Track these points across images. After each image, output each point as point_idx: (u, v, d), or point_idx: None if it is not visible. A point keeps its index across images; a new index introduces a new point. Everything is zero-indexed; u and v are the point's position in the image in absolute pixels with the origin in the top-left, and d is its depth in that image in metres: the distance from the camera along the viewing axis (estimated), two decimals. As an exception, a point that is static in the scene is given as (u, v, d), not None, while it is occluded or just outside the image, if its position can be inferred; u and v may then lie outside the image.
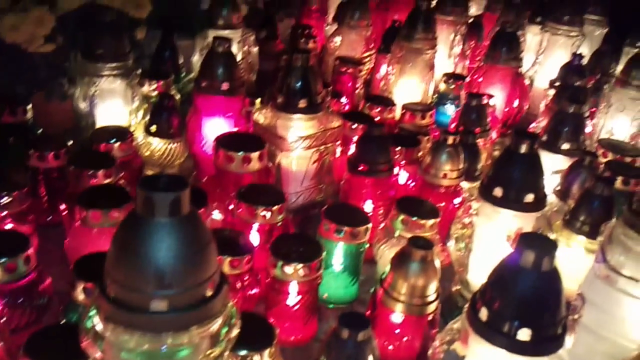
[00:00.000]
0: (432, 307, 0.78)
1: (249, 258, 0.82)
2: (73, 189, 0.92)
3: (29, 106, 1.12)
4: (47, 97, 1.20)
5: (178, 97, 1.25)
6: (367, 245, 0.95)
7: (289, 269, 0.81)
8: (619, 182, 1.01)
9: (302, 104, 1.03)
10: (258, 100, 1.23)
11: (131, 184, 0.95)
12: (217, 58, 1.10)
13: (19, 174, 0.98)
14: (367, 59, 1.58)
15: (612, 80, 1.36)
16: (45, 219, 1.03)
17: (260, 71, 1.52)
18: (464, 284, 0.94)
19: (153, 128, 1.14)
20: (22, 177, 0.98)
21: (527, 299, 0.54)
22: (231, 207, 0.92)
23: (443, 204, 1.03)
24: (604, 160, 1.13)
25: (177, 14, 1.44)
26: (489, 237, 0.87)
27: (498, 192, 0.83)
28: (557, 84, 1.44)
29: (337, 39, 1.62)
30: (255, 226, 0.90)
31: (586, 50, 1.69)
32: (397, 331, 0.79)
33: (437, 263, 0.78)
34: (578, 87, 1.30)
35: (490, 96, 1.37)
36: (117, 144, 1.04)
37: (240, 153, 0.95)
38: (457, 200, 1.06)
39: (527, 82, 1.59)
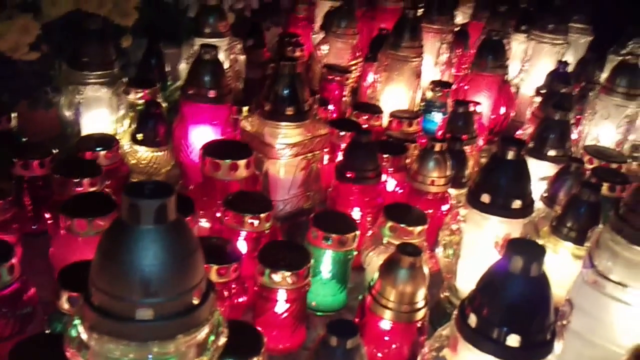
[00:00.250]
0: (420, 314, 0.78)
1: (237, 266, 0.82)
2: (58, 198, 0.91)
3: (14, 114, 1.11)
4: (32, 106, 1.19)
5: (164, 105, 1.25)
6: (355, 253, 0.95)
7: (276, 277, 0.81)
8: (605, 189, 1.01)
9: (289, 111, 1.02)
10: (245, 108, 1.22)
11: (117, 193, 0.94)
12: (204, 66, 1.10)
13: (3, 183, 0.97)
14: (354, 67, 1.58)
15: (597, 88, 1.37)
16: (30, 227, 1.02)
17: (247, 79, 1.52)
18: (452, 291, 0.94)
19: (139, 136, 1.14)
20: (7, 186, 0.96)
21: (516, 304, 0.54)
22: (218, 214, 0.92)
23: (431, 210, 1.03)
24: (590, 166, 1.14)
25: (164, 21, 1.44)
26: (477, 244, 0.87)
27: (485, 198, 0.83)
28: (543, 91, 1.45)
29: (324, 47, 1.62)
30: (243, 234, 0.90)
31: (571, 58, 1.71)
32: (386, 338, 0.78)
33: (426, 270, 0.78)
34: (564, 95, 1.31)
35: (477, 103, 1.37)
36: (103, 152, 1.03)
37: (227, 161, 0.95)
38: (444, 207, 1.06)
39: (513, 89, 1.60)
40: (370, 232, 0.98)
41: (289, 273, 0.81)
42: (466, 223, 0.88)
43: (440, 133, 1.26)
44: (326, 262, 0.92)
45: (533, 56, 1.71)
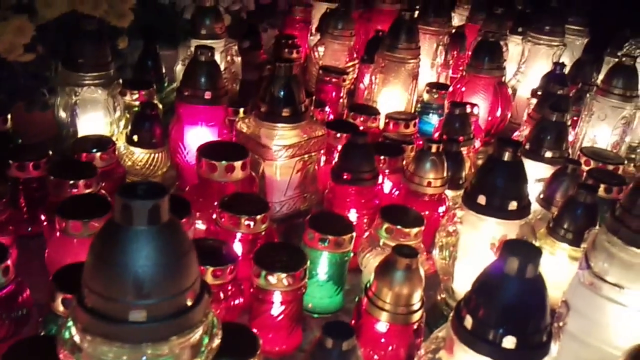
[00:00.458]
0: (417, 316, 0.78)
1: (232, 268, 0.81)
2: (53, 199, 0.91)
3: (9, 116, 1.11)
4: (27, 107, 1.18)
5: (161, 106, 1.25)
6: (352, 254, 0.94)
7: (272, 279, 0.80)
8: (601, 190, 1.01)
9: (286, 113, 1.02)
10: (241, 110, 1.22)
11: (113, 194, 0.94)
12: (200, 67, 1.10)
13: (-1, 184, 0.97)
14: (350, 69, 1.58)
15: (593, 89, 1.37)
16: (25, 229, 1.01)
17: (243, 81, 1.52)
18: (449, 293, 0.94)
19: (135, 138, 1.13)
20: (2, 187, 0.96)
21: (512, 306, 0.54)
22: (214, 216, 0.92)
23: (427, 212, 1.03)
24: (587, 168, 1.14)
25: (160, 23, 1.44)
26: (474, 245, 0.87)
27: (482, 200, 0.83)
28: (539, 92, 1.45)
29: (321, 49, 1.62)
30: (239, 235, 0.90)
31: (567, 60, 1.71)
32: (382, 340, 0.78)
33: (422, 271, 0.78)
34: (560, 96, 1.31)
35: (474, 105, 1.37)
36: (99, 153, 1.02)
37: (223, 162, 0.94)
38: (441, 209, 1.06)
39: (509, 91, 1.60)
40: (366, 234, 0.97)
41: (285, 275, 0.80)
42: (463, 225, 0.88)
43: (436, 135, 1.26)
44: (322, 263, 0.92)
45: (529, 58, 1.71)
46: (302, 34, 1.82)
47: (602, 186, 1.02)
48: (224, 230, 0.90)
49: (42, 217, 0.94)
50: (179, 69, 1.43)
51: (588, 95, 1.37)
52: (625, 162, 1.29)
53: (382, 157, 1.12)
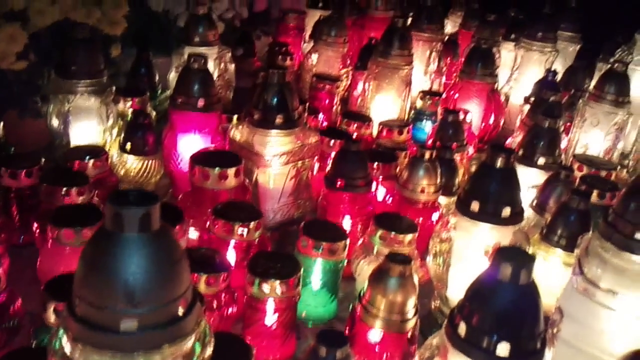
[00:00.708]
0: (411, 324, 0.78)
1: (226, 276, 0.81)
2: (46, 208, 0.91)
3: (1, 124, 1.10)
4: (20, 115, 1.18)
5: (154, 114, 1.24)
6: (346, 262, 0.94)
7: (266, 287, 0.80)
8: (594, 196, 1.01)
9: (279, 120, 1.02)
10: (235, 117, 1.22)
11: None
12: (193, 74, 1.10)
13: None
14: (344, 76, 1.59)
15: (585, 95, 1.38)
16: (17, 238, 1.01)
17: (237, 88, 1.52)
18: (443, 300, 0.93)
19: (128, 146, 1.13)
20: (-7, 196, 0.96)
21: (506, 312, 0.54)
22: (208, 224, 0.91)
23: (421, 219, 1.03)
24: (580, 174, 1.14)
25: (153, 30, 1.44)
26: (467, 252, 0.87)
27: (475, 206, 0.83)
28: (532, 99, 1.46)
29: (314, 56, 1.62)
30: (232, 243, 0.89)
31: (560, 66, 1.72)
32: (377, 348, 0.78)
33: (416, 278, 0.78)
34: (553, 102, 1.32)
35: (467, 112, 1.38)
36: (91, 161, 1.02)
37: (217, 169, 0.94)
38: (435, 215, 1.06)
39: (502, 97, 1.60)
40: (360, 241, 0.97)
41: (278, 282, 0.80)
42: (456, 231, 0.88)
43: (430, 141, 1.26)
44: (316, 271, 0.91)
45: (522, 64, 1.71)
46: (296, 41, 1.82)
47: (595, 192, 1.02)
48: (217, 238, 0.89)
49: (35, 226, 0.93)
50: (172, 76, 1.43)
51: (580, 101, 1.37)
52: (618, 168, 1.29)
53: (375, 164, 1.12)
